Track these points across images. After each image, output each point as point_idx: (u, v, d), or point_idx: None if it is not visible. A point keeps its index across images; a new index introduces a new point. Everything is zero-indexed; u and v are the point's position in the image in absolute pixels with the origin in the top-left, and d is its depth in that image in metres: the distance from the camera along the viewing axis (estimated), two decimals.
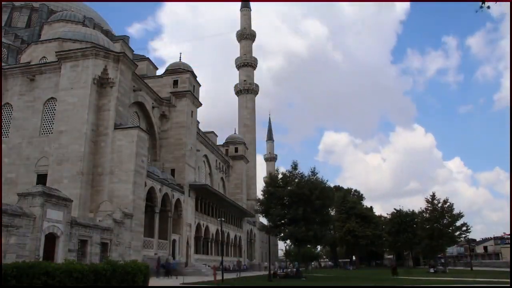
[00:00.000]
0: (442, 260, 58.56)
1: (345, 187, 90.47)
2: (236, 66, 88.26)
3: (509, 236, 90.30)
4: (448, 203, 49.72)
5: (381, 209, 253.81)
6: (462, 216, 49.13)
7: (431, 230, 49.48)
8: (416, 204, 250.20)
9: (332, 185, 39.46)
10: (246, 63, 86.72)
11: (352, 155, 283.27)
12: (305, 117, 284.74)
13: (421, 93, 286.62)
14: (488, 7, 7.49)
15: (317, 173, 38.55)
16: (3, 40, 44.56)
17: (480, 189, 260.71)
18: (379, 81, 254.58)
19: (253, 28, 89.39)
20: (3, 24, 52.57)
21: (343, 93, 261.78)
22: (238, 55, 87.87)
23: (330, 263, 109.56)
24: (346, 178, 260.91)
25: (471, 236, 59.90)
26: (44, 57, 36.74)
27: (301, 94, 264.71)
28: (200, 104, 49.13)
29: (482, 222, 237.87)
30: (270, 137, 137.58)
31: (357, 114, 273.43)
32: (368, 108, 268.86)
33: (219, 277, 28.05)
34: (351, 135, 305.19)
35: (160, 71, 50.46)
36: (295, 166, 39.00)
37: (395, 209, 75.99)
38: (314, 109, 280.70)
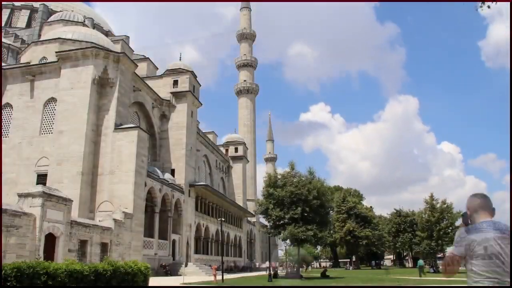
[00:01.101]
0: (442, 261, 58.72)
1: (331, 176, 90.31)
2: (236, 66, 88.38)
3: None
4: (447, 204, 49.99)
5: (368, 202, 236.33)
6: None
7: (431, 231, 49.66)
8: (409, 197, 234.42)
9: (324, 179, 39.38)
10: (246, 63, 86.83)
11: (333, 135, 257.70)
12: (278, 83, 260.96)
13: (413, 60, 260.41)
14: (488, 6, 7.48)
15: (313, 172, 38.94)
16: (3, 40, 44.53)
17: (478, 180, 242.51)
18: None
19: None
20: (3, 24, 52.56)
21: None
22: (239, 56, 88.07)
23: (330, 263, 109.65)
24: (331, 167, 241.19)
25: None
26: (44, 57, 36.73)
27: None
28: (200, 104, 49.14)
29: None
30: (270, 137, 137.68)
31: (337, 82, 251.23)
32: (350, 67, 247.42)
33: (219, 277, 28.07)
34: (334, 111, 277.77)
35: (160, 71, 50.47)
36: (292, 167, 39.33)
37: (395, 209, 76.11)
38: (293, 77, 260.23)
